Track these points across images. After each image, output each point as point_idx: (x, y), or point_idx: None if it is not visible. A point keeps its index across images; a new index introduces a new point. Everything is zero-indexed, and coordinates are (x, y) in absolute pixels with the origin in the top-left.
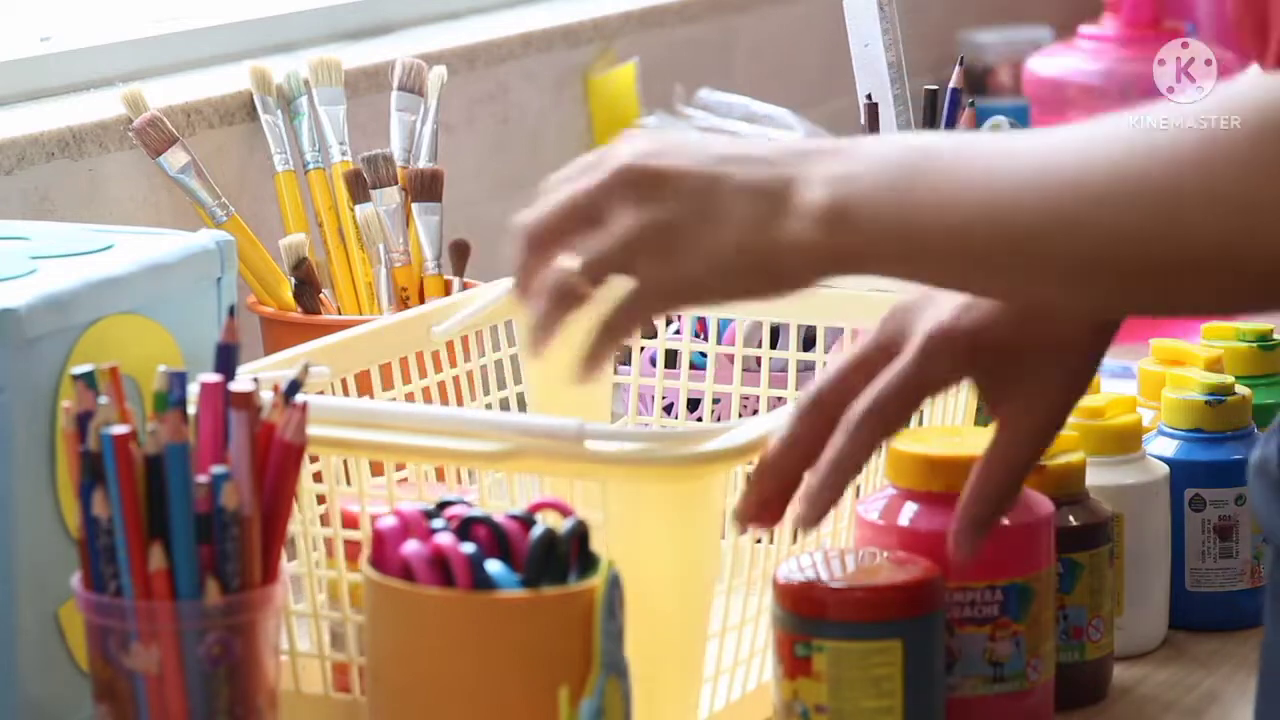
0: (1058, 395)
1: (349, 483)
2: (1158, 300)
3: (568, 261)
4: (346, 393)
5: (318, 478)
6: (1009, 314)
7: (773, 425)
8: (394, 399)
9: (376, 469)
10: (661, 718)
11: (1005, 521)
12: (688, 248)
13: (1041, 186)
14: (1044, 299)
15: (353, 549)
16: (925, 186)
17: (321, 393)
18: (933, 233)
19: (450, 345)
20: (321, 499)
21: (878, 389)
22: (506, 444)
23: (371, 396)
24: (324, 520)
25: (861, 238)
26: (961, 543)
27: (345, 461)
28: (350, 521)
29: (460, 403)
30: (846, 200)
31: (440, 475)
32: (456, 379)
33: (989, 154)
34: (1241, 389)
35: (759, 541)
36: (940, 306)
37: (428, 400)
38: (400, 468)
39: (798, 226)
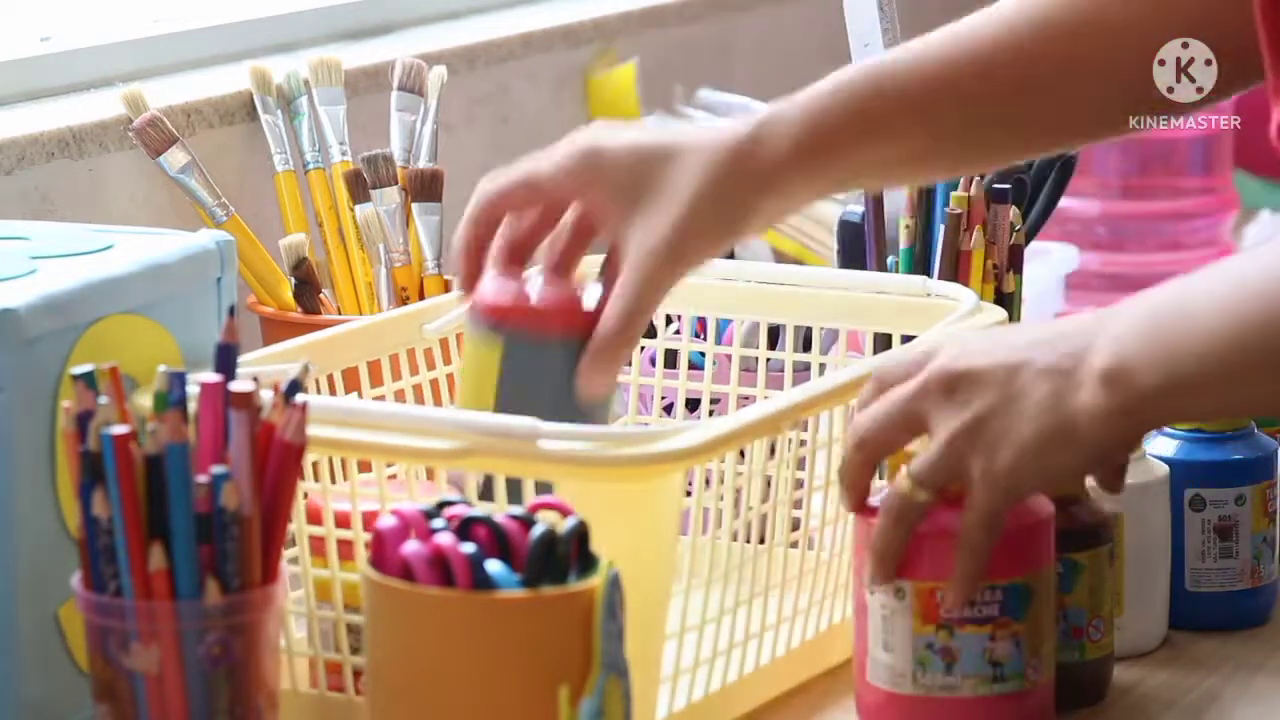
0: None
1: (316, 479)
2: None
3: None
4: (334, 389)
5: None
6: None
7: (727, 426)
8: (382, 396)
9: (364, 465)
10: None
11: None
12: (1002, 440)
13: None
14: None
15: (316, 544)
16: (1181, 323)
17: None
18: (1196, 362)
19: (444, 343)
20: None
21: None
22: (462, 442)
23: (360, 393)
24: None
25: (1140, 389)
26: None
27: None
28: (315, 517)
29: (452, 401)
30: (1119, 356)
31: (430, 474)
32: (450, 377)
33: (1229, 278)
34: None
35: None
36: (652, 229)
37: (418, 398)
38: (381, 466)
39: (1087, 395)
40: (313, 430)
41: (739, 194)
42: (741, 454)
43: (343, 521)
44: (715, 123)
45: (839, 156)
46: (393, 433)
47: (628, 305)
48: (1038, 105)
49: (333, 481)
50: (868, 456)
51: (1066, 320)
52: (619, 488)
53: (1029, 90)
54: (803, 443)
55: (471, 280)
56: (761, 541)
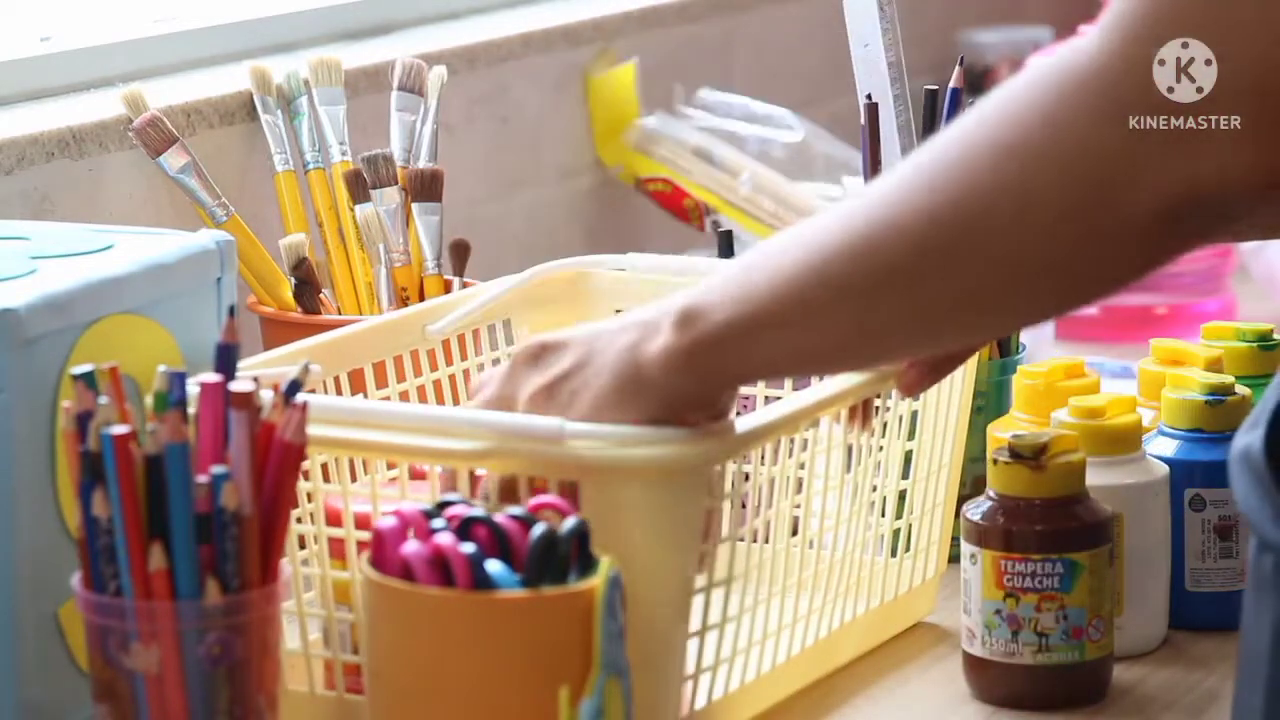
0: None
1: (327, 479)
2: None
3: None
4: (340, 391)
5: (304, 475)
6: None
7: (751, 424)
8: (387, 397)
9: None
10: (642, 716)
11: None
12: (579, 391)
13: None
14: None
15: (336, 546)
16: (764, 263)
17: (312, 390)
18: (770, 294)
19: (446, 344)
20: (309, 497)
21: None
22: (486, 442)
23: (365, 395)
24: (307, 519)
25: (710, 326)
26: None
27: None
28: (334, 519)
29: (456, 402)
30: (694, 301)
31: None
32: (452, 378)
33: (812, 224)
34: (1241, 389)
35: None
36: None
37: (422, 399)
38: (391, 465)
39: (660, 339)
40: (333, 432)
41: None
42: (763, 455)
43: (362, 523)
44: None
45: None
46: (415, 434)
47: None
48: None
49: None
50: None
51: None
52: (645, 487)
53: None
54: (805, 444)
55: None
56: (768, 541)
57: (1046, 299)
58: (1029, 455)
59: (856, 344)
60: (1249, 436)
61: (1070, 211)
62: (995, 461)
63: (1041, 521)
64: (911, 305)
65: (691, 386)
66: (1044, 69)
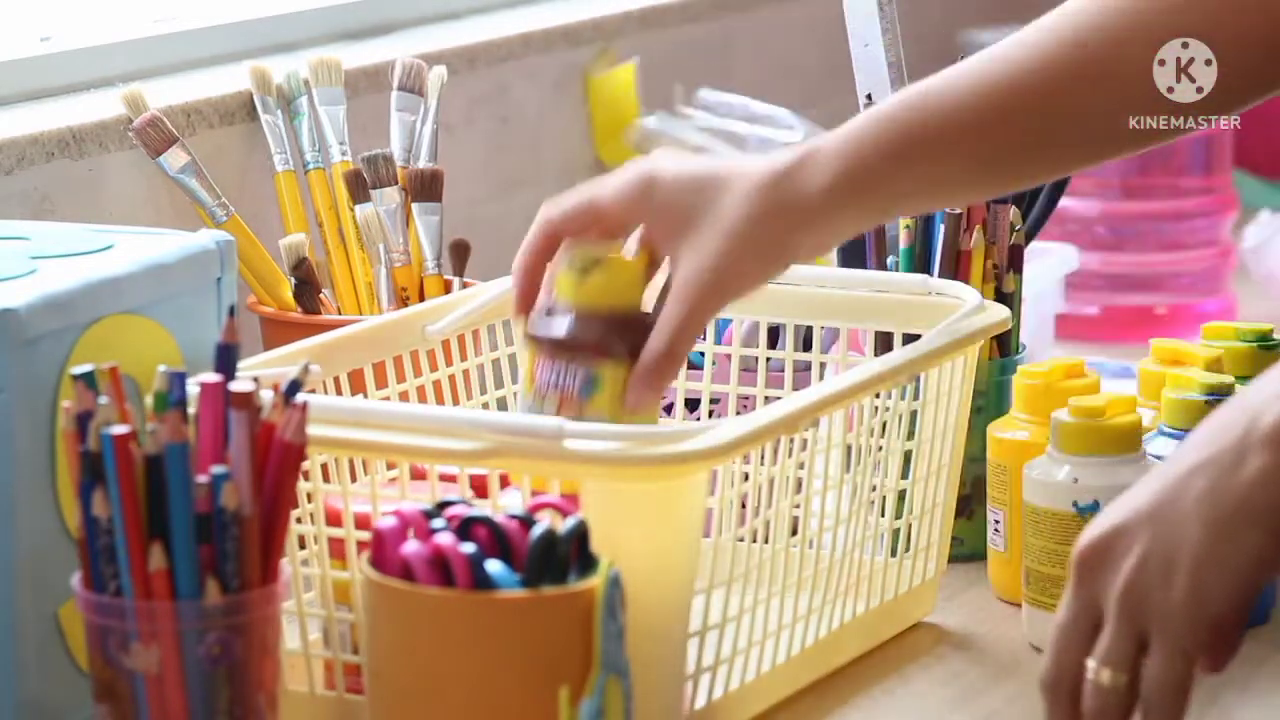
0: None
1: (327, 480)
2: None
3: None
4: (340, 391)
5: (304, 475)
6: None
7: (751, 424)
8: (387, 398)
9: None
10: (642, 716)
11: None
12: (1171, 575)
13: None
14: None
15: (336, 546)
16: None
17: (312, 391)
18: None
19: (446, 344)
20: (309, 497)
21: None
22: (486, 443)
23: (365, 395)
24: (307, 519)
25: None
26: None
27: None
28: (334, 519)
29: (456, 402)
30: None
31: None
32: (452, 378)
33: None
34: (1242, 389)
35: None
36: (698, 258)
37: (422, 399)
38: (391, 466)
39: (1256, 460)
40: (334, 432)
41: (776, 229)
42: (762, 455)
43: (362, 523)
44: (767, 151)
45: (880, 186)
46: (415, 434)
47: (671, 331)
48: (1077, 123)
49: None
50: (1071, 698)
51: (1208, 422)
52: (645, 487)
53: (1067, 109)
54: (805, 444)
55: (526, 301)
56: (767, 541)
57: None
58: (583, 268)
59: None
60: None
61: None
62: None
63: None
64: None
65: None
66: None
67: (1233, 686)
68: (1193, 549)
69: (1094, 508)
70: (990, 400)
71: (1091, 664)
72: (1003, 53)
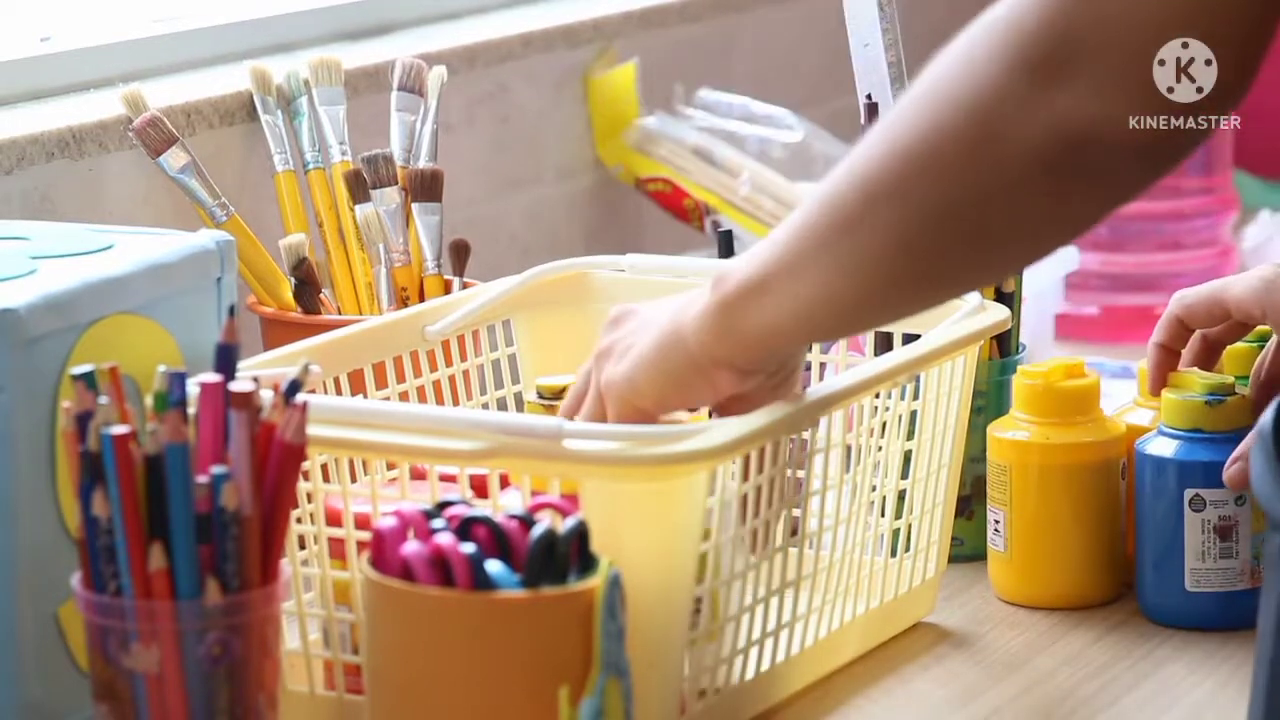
0: None
1: (327, 480)
2: None
3: None
4: (340, 391)
5: (304, 475)
6: None
7: (751, 424)
8: (387, 398)
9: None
10: (642, 716)
11: None
12: (628, 349)
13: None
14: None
15: (336, 546)
16: (778, 230)
17: (312, 391)
18: (770, 255)
19: (446, 345)
20: (309, 497)
21: None
22: (486, 443)
23: (365, 395)
24: (307, 519)
25: (732, 285)
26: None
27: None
28: (334, 519)
29: (455, 402)
30: (727, 267)
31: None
32: (452, 378)
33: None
34: (1241, 389)
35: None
36: None
37: (422, 399)
38: (391, 466)
39: (698, 299)
40: (334, 432)
41: None
42: (762, 455)
43: (362, 523)
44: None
45: None
46: (415, 434)
47: None
48: None
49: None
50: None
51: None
52: (645, 487)
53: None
54: (804, 444)
55: (1160, 380)
56: (767, 542)
57: (966, 249)
58: (549, 396)
59: (841, 291)
60: (1266, 416)
61: (968, 150)
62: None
63: None
64: (865, 248)
65: (720, 347)
66: (981, 19)
67: (1233, 687)
68: (641, 349)
69: None
70: (990, 400)
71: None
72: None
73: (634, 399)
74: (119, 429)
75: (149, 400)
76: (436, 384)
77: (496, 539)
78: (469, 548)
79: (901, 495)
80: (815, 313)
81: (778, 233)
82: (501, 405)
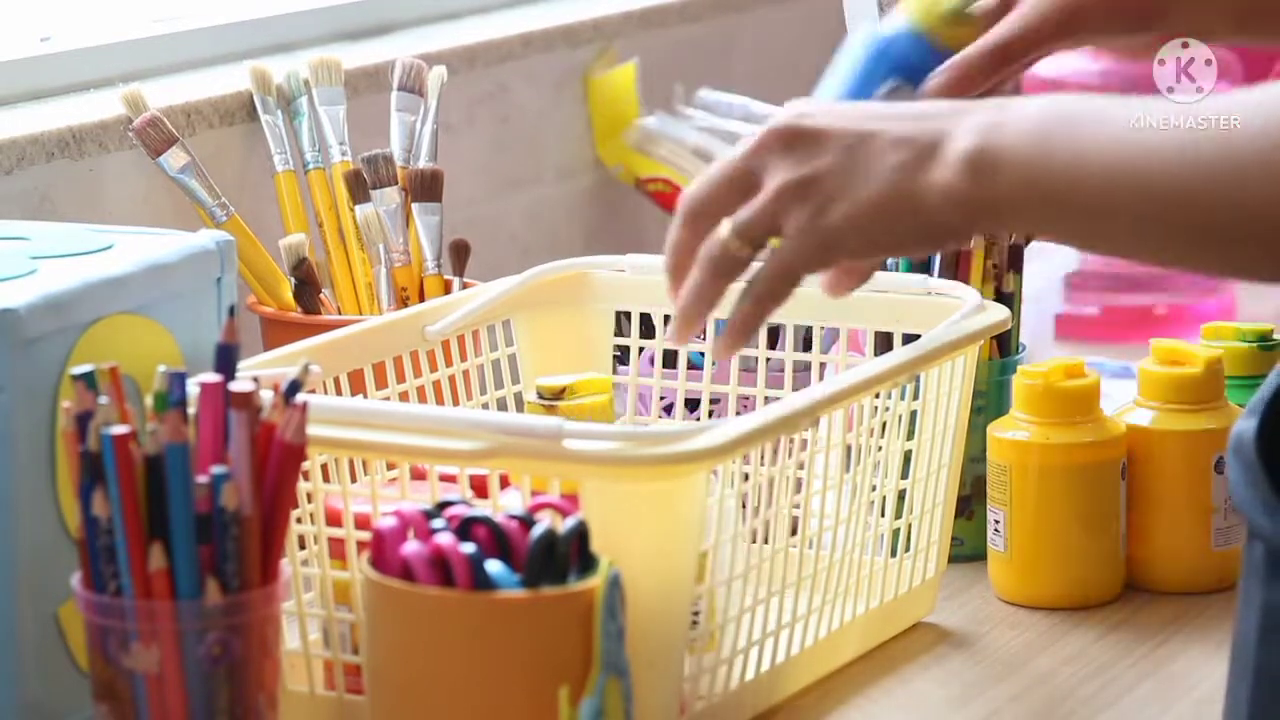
0: None
1: (327, 480)
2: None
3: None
4: (340, 392)
5: (304, 475)
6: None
7: (751, 424)
8: (387, 398)
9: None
10: (642, 716)
11: None
12: (837, 198)
13: (1186, 149)
14: (1167, 260)
15: (336, 546)
16: (1065, 138)
17: (312, 391)
18: (1071, 184)
19: (446, 345)
20: (309, 497)
21: None
22: (486, 443)
23: (365, 395)
24: (307, 519)
25: (1004, 186)
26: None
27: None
28: (334, 519)
29: (455, 402)
30: (991, 148)
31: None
32: (452, 379)
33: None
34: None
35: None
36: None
37: (422, 400)
38: (391, 466)
39: (944, 174)
40: (334, 432)
41: None
42: (762, 454)
43: (362, 523)
44: None
45: None
46: (415, 434)
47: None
48: None
49: (332, 482)
50: (693, 224)
51: (931, 102)
52: (645, 487)
53: None
54: (805, 444)
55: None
56: (767, 541)
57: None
58: (549, 397)
59: (1141, 257)
60: (1243, 424)
61: None
62: (529, 403)
63: None
64: (1208, 258)
65: (963, 226)
66: None
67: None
68: (858, 201)
69: None
70: (990, 400)
71: (727, 222)
72: None
73: (840, 254)
74: (119, 429)
75: (149, 400)
76: (436, 384)
77: (496, 539)
78: (469, 548)
79: (901, 495)
80: (1095, 247)
81: (1065, 148)
82: (501, 405)
